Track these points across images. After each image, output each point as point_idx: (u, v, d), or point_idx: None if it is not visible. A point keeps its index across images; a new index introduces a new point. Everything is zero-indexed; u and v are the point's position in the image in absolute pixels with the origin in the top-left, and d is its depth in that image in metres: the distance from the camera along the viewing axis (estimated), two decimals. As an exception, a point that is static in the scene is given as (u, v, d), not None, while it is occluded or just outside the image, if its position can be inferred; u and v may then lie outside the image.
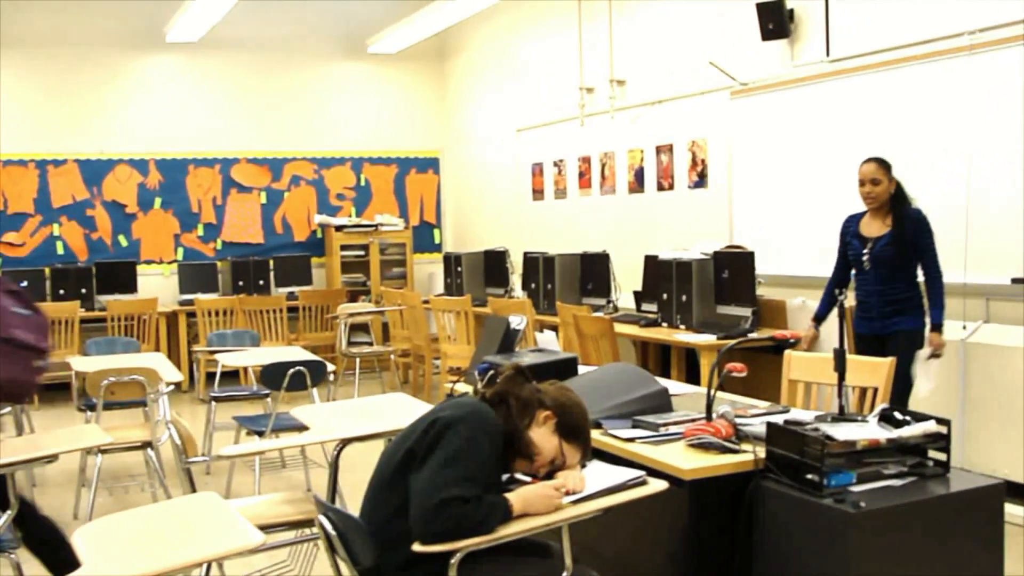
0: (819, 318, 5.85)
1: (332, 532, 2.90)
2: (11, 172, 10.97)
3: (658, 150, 8.53)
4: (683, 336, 6.62)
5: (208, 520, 2.82)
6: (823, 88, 6.82)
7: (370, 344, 11.09)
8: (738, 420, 3.49)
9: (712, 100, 7.85)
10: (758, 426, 3.36)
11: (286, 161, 12.04)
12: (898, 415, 3.24)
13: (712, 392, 3.46)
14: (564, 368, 4.32)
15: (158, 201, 11.50)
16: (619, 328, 7.15)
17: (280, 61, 11.97)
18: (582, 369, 4.37)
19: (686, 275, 6.94)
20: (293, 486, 6.59)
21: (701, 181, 8.04)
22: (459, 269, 10.32)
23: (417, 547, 2.76)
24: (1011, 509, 5.00)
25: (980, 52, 5.84)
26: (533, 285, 9.01)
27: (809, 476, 3.00)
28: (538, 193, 10.52)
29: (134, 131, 11.40)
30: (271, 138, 11.98)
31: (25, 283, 10.50)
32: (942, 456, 3.19)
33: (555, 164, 10.15)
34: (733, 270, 6.76)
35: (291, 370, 6.03)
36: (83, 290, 10.69)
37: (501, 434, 3.00)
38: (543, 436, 3.06)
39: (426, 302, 9.81)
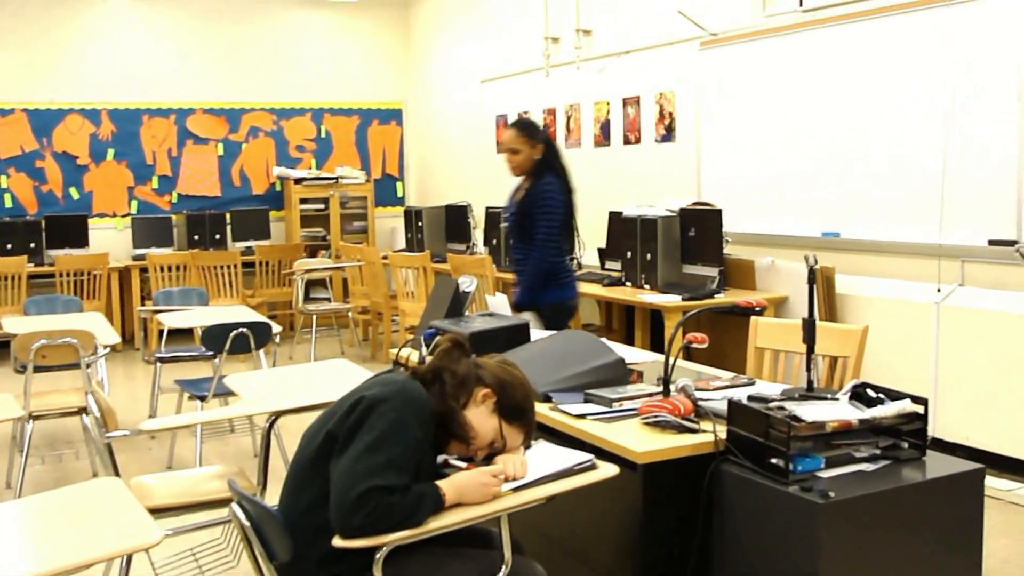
0: None
1: (245, 523, 2.63)
2: (-37, 119, 10.55)
3: (625, 102, 8.22)
4: (647, 296, 6.35)
5: (106, 512, 2.53)
6: (795, 39, 6.52)
7: (328, 301, 10.80)
8: (699, 395, 3.22)
9: (681, 51, 7.53)
10: (720, 402, 3.09)
11: (244, 112, 11.64)
12: (871, 392, 2.98)
13: (670, 366, 3.18)
14: (515, 334, 4.04)
15: (111, 152, 11.09)
16: (581, 288, 6.86)
17: (239, 7, 11.53)
18: (536, 335, 4.10)
19: (651, 233, 6.66)
20: (240, 453, 6.31)
21: (669, 135, 7.74)
22: (420, 224, 10.02)
23: (337, 542, 2.48)
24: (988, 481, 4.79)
25: (960, 4, 5.55)
26: (495, 241, 8.71)
27: (774, 461, 2.73)
28: (500, 145, 10.18)
29: (86, 79, 10.96)
30: (229, 88, 11.56)
31: (-26, 236, 10.15)
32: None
33: (519, 115, 9.81)
34: (700, 228, 6.48)
35: (234, 332, 5.72)
36: (32, 244, 10.31)
37: (432, 415, 2.71)
38: (481, 416, 2.78)
39: (385, 258, 9.50)
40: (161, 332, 6.69)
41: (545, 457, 2.83)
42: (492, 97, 10.30)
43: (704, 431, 2.97)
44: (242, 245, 11.18)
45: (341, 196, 11.64)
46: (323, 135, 11.98)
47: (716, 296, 6.15)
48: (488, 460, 2.78)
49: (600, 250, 7.88)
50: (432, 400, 2.74)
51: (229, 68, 11.53)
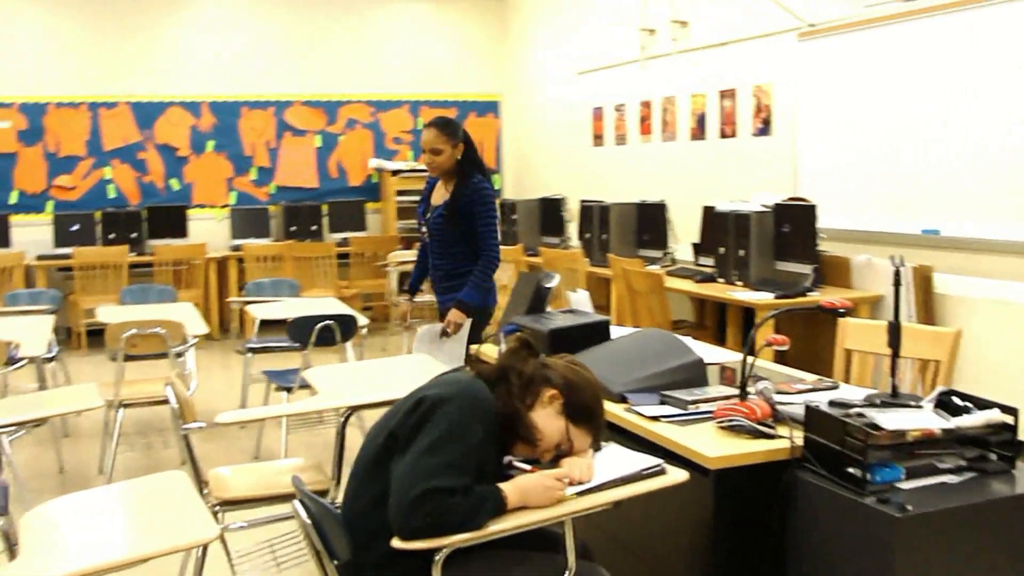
0: (412, 289, 5.65)
1: (306, 521, 2.60)
2: (63, 114, 10.80)
3: (721, 95, 8.06)
4: (739, 293, 6.21)
5: (164, 506, 2.53)
6: (896, 30, 6.31)
7: (423, 293, 10.79)
8: (778, 398, 3.12)
9: (778, 42, 7.35)
10: (799, 407, 2.98)
11: (342, 104, 11.72)
12: (957, 400, 2.84)
13: (747, 367, 3.08)
14: (595, 332, 3.97)
15: (211, 144, 11.26)
16: (672, 283, 6.77)
17: (336, 2, 11.61)
18: (617, 332, 4.02)
19: (744, 228, 6.52)
20: (327, 445, 6.33)
21: (765, 128, 7.57)
22: (514, 217, 9.97)
23: (396, 543, 2.44)
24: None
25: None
26: (588, 235, 8.62)
27: (850, 470, 2.62)
28: (598, 139, 10.11)
29: (187, 73, 11.15)
30: (327, 80, 11.65)
31: (77, 226, 10.39)
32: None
33: (616, 109, 9.72)
34: (794, 224, 6.32)
35: (319, 324, 5.75)
36: (133, 234, 10.52)
37: (495, 416, 2.66)
38: (547, 418, 2.71)
39: (479, 251, 9.47)
40: (254, 322, 6.76)
41: (613, 460, 2.76)
42: (588, 89, 10.21)
43: (781, 436, 2.87)
44: (338, 236, 11.26)
45: (437, 188, 11.62)
46: (420, 127, 11.99)
47: (809, 294, 5.99)
48: (555, 463, 2.72)
49: (694, 245, 7.76)
50: (496, 400, 2.68)
51: (327, 60, 11.62)
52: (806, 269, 6.19)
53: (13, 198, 10.74)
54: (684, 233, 7.97)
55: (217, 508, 3.72)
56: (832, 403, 2.98)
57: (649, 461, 2.71)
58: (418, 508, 2.42)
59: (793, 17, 7.06)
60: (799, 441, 2.81)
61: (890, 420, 2.68)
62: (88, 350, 9.85)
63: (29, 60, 10.70)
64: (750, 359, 3.08)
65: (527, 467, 2.67)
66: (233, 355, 9.49)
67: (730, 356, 4.17)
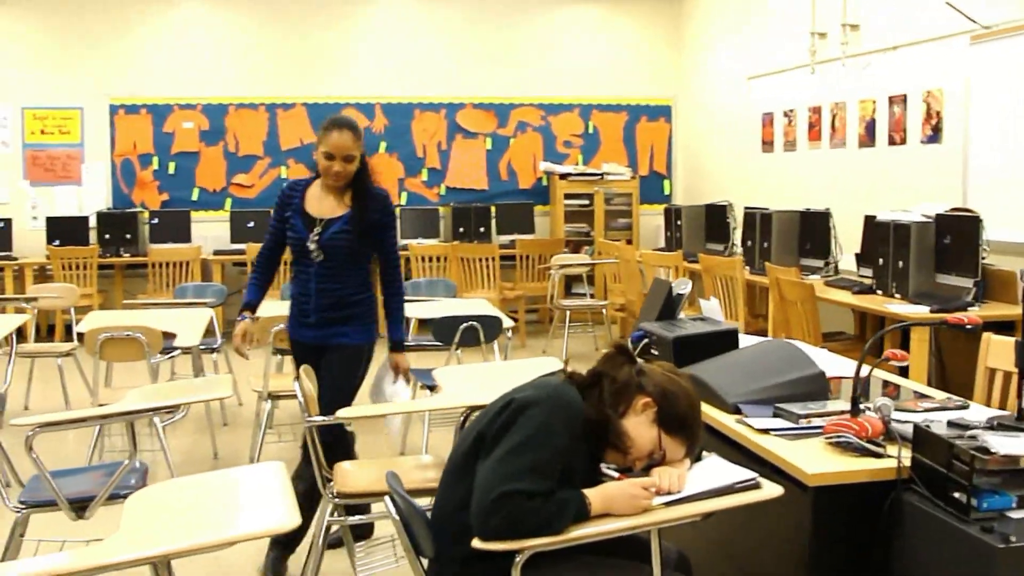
0: (250, 306, 4.70)
1: (395, 518, 2.62)
2: (242, 115, 11.23)
3: (890, 101, 7.78)
4: (894, 307, 5.97)
5: (252, 495, 2.59)
6: (1078, 33, 5.97)
7: (587, 297, 10.79)
8: (898, 416, 2.99)
9: (950, 46, 7.05)
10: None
11: (513, 107, 11.82)
12: (1084, 426, 2.67)
13: (860, 382, 2.96)
14: (722, 341, 3.89)
15: (383, 145, 11.52)
16: (829, 294, 6.57)
17: (509, 4, 11.72)
18: (746, 342, 3.93)
19: (904, 239, 6.26)
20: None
21: (935, 136, 7.27)
22: (679, 223, 9.86)
23: (476, 543, 2.45)
24: None
25: None
26: (750, 243, 8.45)
27: (955, 495, 2.49)
28: (768, 145, 9.90)
29: (361, 75, 11.45)
30: (498, 83, 11.77)
31: (252, 224, 10.76)
32: None
33: (785, 115, 9.49)
34: (956, 235, 6.04)
35: (463, 325, 5.81)
36: (308, 233, 10.81)
37: (586, 422, 2.62)
38: (640, 426, 2.67)
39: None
40: (409, 322, 6.87)
41: (708, 472, 2.70)
42: (758, 95, 10.02)
43: (889, 456, 2.75)
44: (506, 238, 11.34)
45: (606, 193, 11.61)
46: (590, 131, 12.00)
47: (970, 309, 5.72)
48: (647, 472, 2.67)
49: (857, 255, 7.51)
50: (587, 407, 2.65)
51: (498, 64, 11.73)
52: (967, 283, 5.91)
53: (195, 195, 11.23)
54: (848, 243, 7.72)
55: (337, 501, 3.80)
56: (950, 424, 2.84)
57: (744, 474, 2.64)
58: (497, 510, 2.42)
59: (966, 19, 6.76)
60: (907, 462, 2.68)
61: (1004, 444, 2.54)
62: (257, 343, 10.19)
63: (212, 64, 11.17)
64: (864, 374, 2.95)
65: (615, 475, 2.64)
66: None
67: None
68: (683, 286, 4.37)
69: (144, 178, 11.21)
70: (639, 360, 2.83)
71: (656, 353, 4.02)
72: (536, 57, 11.82)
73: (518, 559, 2.46)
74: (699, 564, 3.09)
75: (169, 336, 5.73)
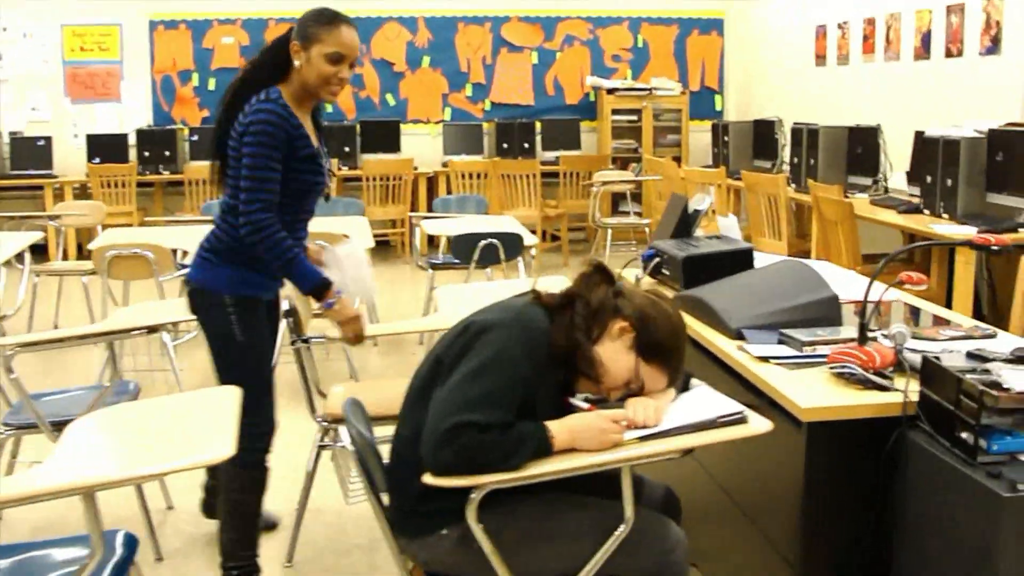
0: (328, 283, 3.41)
1: (349, 448, 2.43)
2: (282, 29, 10.73)
3: (948, 10, 7.33)
4: (939, 227, 5.64)
5: (195, 422, 2.40)
6: None
7: (629, 215, 10.50)
8: (912, 344, 2.72)
9: (1013, -52, 6.60)
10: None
11: (559, 20, 11.44)
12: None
13: (870, 306, 2.68)
14: (735, 261, 3.64)
15: (426, 60, 11.23)
16: (874, 213, 6.24)
17: (556, -89, 11.30)
18: (764, 261, 3.66)
19: (953, 156, 5.89)
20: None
21: (994, 47, 6.83)
22: (726, 139, 9.50)
23: (427, 478, 2.24)
24: None
25: None
26: (796, 160, 8.09)
27: (962, 435, 2.23)
28: (820, 59, 9.46)
29: (404, -14, 11.14)
30: (544, -5, 11.41)
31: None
32: None
33: (839, 27, 9.05)
34: (1009, 152, 5.66)
35: (482, 242, 5.59)
36: (346, 148, 10.63)
37: (553, 347, 2.39)
38: (614, 352, 2.43)
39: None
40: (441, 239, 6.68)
41: (691, 404, 2.46)
42: (812, 6, 9.56)
43: (895, 390, 2.49)
44: (551, 155, 11.05)
45: (655, 108, 11.25)
46: (640, 45, 11.60)
47: (1021, 231, 5.38)
48: (623, 404, 2.44)
49: (907, 174, 7.14)
50: (555, 331, 2.42)
51: (545, -25, 11.35)
52: (1021, 202, 5.55)
53: (236, 111, 11.02)
54: (900, 161, 7.35)
55: (325, 424, 3.61)
56: (970, 355, 2.57)
57: (730, 407, 2.40)
58: (448, 442, 2.21)
59: (1029, -81, 6.31)
60: (913, 397, 2.42)
61: (1021, 380, 2.27)
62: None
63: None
64: (873, 298, 2.68)
65: (585, 406, 2.41)
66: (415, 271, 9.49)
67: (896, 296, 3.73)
68: (701, 202, 4.10)
69: (184, 95, 11.04)
70: (618, 281, 2.58)
71: (667, 273, 3.78)
72: (579, -33, 11.41)
73: (473, 495, 2.25)
74: (690, 497, 2.88)
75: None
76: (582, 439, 2.29)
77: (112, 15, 10.89)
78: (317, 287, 3.32)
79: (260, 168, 3.22)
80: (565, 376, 2.44)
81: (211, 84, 11.00)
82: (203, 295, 3.41)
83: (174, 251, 5.60)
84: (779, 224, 7.29)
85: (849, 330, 2.93)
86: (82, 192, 10.35)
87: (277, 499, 4.02)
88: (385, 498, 2.49)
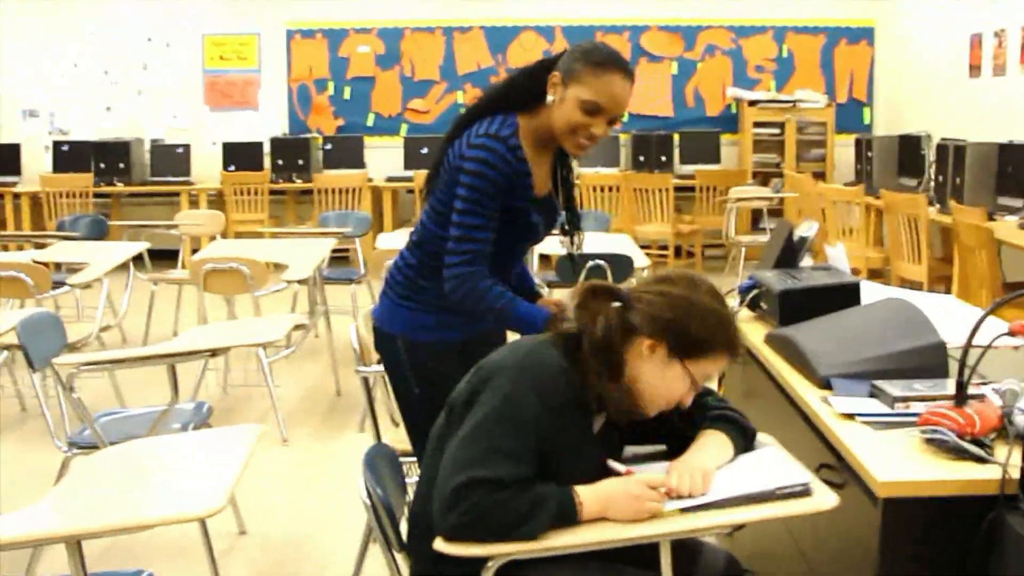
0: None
1: (366, 503, 2.19)
2: (418, 38, 10.91)
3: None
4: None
5: (201, 466, 2.21)
6: None
7: (766, 232, 10.05)
8: (1025, 406, 2.35)
9: None
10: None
11: (700, 29, 11.07)
12: None
13: (968, 364, 2.32)
14: (840, 296, 3.27)
15: (563, 70, 10.97)
16: (1019, 239, 5.75)
17: (699, -83, 10.94)
18: (880, 293, 3.30)
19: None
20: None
21: None
22: (869, 155, 9.01)
23: (438, 543, 1.99)
24: None
25: None
26: (941, 178, 7.58)
27: (1066, 524, 1.87)
28: (975, 69, 8.88)
29: (540, -4, 10.94)
30: (685, 4, 11.03)
31: (426, 150, 10.45)
32: None
33: (995, 35, 8.47)
34: None
35: (590, 263, 5.32)
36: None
37: (564, 388, 2.10)
38: (653, 372, 2.15)
39: (823, 191, 8.62)
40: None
41: (750, 468, 2.15)
42: (967, 13, 8.98)
43: (993, 463, 2.13)
44: (690, 168, 10.69)
45: (799, 121, 10.77)
46: (784, 55, 11.14)
47: None
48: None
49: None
50: (571, 371, 2.13)
51: (686, -18, 10.99)
52: None
53: (370, 120, 11.02)
54: (1057, 180, 6.79)
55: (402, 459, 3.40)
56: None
57: (794, 476, 2.09)
58: (456, 504, 1.96)
59: None
60: (1014, 473, 2.06)
61: None
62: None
63: (387, -16, 10.87)
64: (975, 351, 2.31)
65: (621, 469, 2.12)
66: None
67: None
68: (808, 229, 3.75)
69: (320, 103, 11.07)
70: (623, 291, 2.24)
71: (764, 307, 3.45)
72: (726, -25, 11.01)
73: (490, 564, 1.99)
74: (762, 563, 2.56)
75: (281, 268, 5.46)
76: (614, 507, 2.01)
77: (251, 25, 10.99)
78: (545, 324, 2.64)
79: (472, 214, 2.75)
80: (601, 414, 2.16)
81: (346, 93, 11.02)
82: (379, 335, 3.04)
83: (278, 265, 5.49)
84: (919, 248, 6.80)
85: (954, 383, 2.57)
86: (217, 199, 10.46)
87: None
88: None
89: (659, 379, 2.16)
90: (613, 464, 2.15)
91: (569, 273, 5.41)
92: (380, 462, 2.32)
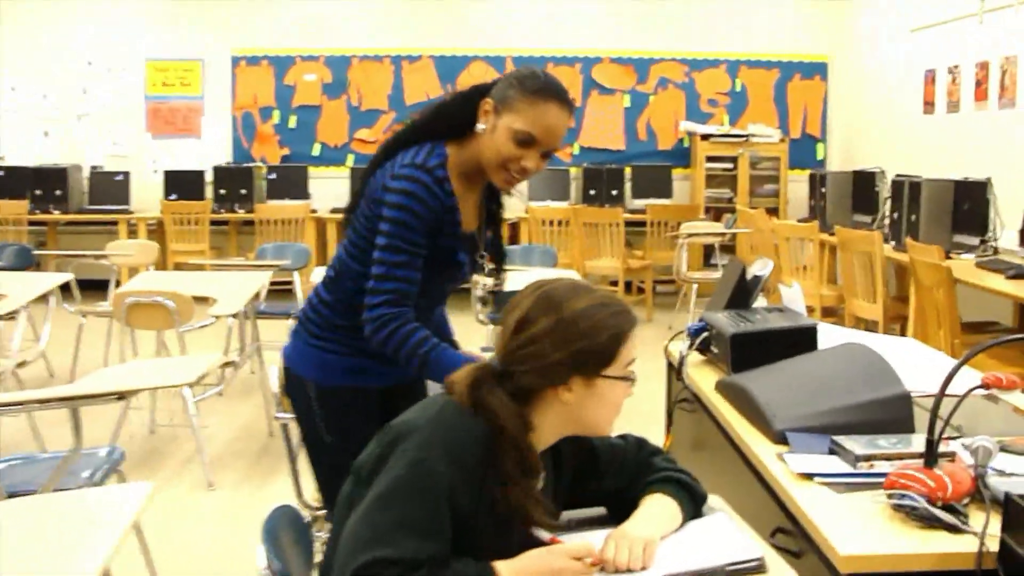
0: None
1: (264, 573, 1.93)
2: (366, 67, 10.68)
3: (1070, 54, 6.66)
4: (1053, 298, 4.98)
5: (80, 530, 1.94)
6: None
7: (717, 268, 9.88)
8: (1001, 465, 2.14)
9: None
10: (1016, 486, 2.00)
11: (653, 61, 10.92)
12: None
13: (939, 422, 2.10)
14: (796, 340, 3.05)
15: (513, 100, 10.78)
16: (979, 278, 5.59)
17: (651, -51, 10.82)
18: (834, 339, 3.08)
19: (1070, 217, 5.24)
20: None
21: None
22: (823, 191, 8.87)
23: (339, 633, 1.73)
24: None
25: None
26: (896, 215, 7.43)
27: (1053, 609, 1.65)
28: (928, 105, 8.78)
29: (491, 27, 10.74)
30: (638, 36, 10.88)
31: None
32: None
33: (949, 71, 8.37)
34: None
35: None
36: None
37: (480, 452, 1.85)
38: (591, 402, 1.93)
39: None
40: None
41: (697, 540, 1.92)
42: (921, 49, 8.89)
43: (968, 532, 1.91)
44: (641, 203, 10.50)
45: (752, 156, 10.64)
46: (738, 88, 11.00)
47: None
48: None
49: (1021, 232, 6.46)
50: (479, 421, 1.88)
51: (638, 15, 10.85)
52: None
53: (316, 150, 10.76)
54: (1012, 219, 6.66)
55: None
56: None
57: (745, 551, 1.85)
58: None
59: None
60: (992, 544, 1.84)
61: None
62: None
63: (335, 14, 10.67)
64: (945, 407, 2.10)
65: (545, 536, 1.88)
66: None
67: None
68: (762, 267, 3.54)
69: (264, 132, 10.80)
70: (494, 361, 1.99)
71: (715, 351, 3.23)
72: (679, 9, 10.85)
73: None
74: None
75: (212, 302, 5.18)
76: (538, 584, 1.76)
77: (195, 50, 10.72)
78: None
79: (395, 250, 2.51)
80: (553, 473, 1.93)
81: (292, 121, 10.76)
82: (289, 376, 2.79)
83: (206, 299, 5.21)
84: (875, 286, 6.64)
85: (922, 439, 2.35)
86: (158, 229, 10.13)
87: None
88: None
89: (596, 404, 1.94)
90: (537, 532, 1.89)
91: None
92: (282, 532, 2.05)
